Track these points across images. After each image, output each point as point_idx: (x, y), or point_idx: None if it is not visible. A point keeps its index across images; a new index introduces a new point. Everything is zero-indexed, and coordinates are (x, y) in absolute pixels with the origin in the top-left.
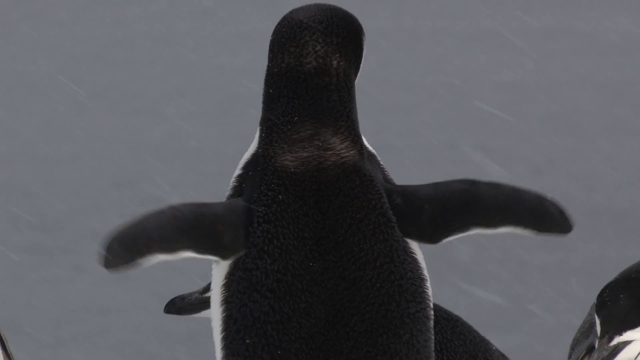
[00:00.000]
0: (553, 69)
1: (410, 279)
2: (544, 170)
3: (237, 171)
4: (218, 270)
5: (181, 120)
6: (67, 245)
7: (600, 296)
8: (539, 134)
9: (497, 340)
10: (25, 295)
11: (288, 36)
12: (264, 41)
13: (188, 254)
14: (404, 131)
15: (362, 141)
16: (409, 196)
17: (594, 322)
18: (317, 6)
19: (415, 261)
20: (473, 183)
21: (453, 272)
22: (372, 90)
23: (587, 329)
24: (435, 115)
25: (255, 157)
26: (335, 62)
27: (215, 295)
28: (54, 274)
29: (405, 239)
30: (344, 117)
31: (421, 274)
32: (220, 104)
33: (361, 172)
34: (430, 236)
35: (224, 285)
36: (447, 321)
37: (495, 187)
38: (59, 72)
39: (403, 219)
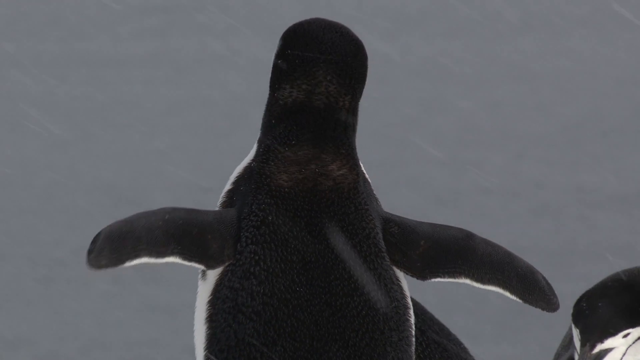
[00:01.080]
0: (547, 87)
1: (395, 308)
2: (542, 185)
3: (228, 186)
4: (204, 286)
5: (179, 136)
6: (66, 260)
7: (578, 306)
8: (536, 150)
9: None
10: (26, 310)
11: (301, 72)
12: (263, 58)
13: (174, 259)
14: (400, 147)
15: (360, 168)
16: (407, 228)
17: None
18: (331, 36)
19: (400, 289)
20: (470, 236)
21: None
22: (369, 106)
23: (567, 343)
24: (431, 132)
25: (248, 172)
26: (347, 103)
27: (200, 312)
28: (54, 289)
29: (392, 266)
30: (345, 145)
31: (405, 302)
32: (219, 120)
33: (357, 199)
34: (420, 272)
35: (209, 302)
36: (437, 344)
37: (490, 246)
38: (55, 87)
39: (395, 247)
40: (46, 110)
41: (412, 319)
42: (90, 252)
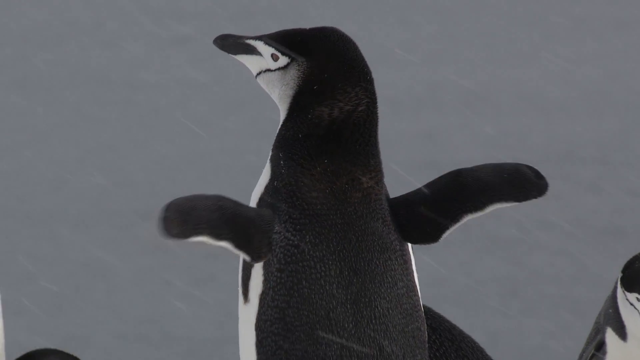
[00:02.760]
0: (593, 94)
1: (420, 328)
2: (598, 188)
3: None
4: (247, 310)
5: (224, 139)
6: (121, 261)
7: (632, 268)
8: (588, 153)
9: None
10: (89, 311)
11: (342, 95)
12: None
13: (227, 245)
14: (436, 151)
15: (383, 179)
16: (408, 204)
17: (600, 327)
18: (355, 51)
19: (420, 305)
20: (459, 173)
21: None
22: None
23: (593, 337)
24: (478, 136)
25: (272, 191)
26: (377, 113)
27: (248, 337)
28: (115, 288)
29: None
30: (374, 156)
31: (424, 319)
32: (259, 124)
33: (382, 212)
34: (432, 235)
35: (256, 326)
36: (451, 342)
37: (477, 170)
38: (100, 94)
39: (406, 227)
40: (92, 117)
41: (426, 337)
42: (162, 220)
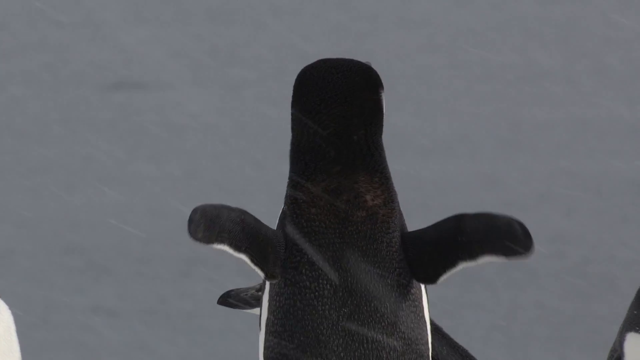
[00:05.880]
0: None
1: (422, 354)
2: None
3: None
4: (259, 339)
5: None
6: (182, 301)
7: None
8: None
9: None
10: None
11: (321, 114)
12: None
13: (244, 258)
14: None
15: (396, 199)
16: (415, 242)
17: (617, 344)
18: (335, 77)
19: (427, 332)
20: (460, 218)
21: None
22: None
23: (612, 352)
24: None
25: (283, 214)
26: (366, 133)
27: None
28: (174, 334)
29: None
30: (378, 173)
31: (430, 356)
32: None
33: (391, 237)
34: (431, 277)
35: (264, 355)
36: (454, 349)
37: (476, 219)
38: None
39: (413, 265)
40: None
41: None
42: (190, 223)
